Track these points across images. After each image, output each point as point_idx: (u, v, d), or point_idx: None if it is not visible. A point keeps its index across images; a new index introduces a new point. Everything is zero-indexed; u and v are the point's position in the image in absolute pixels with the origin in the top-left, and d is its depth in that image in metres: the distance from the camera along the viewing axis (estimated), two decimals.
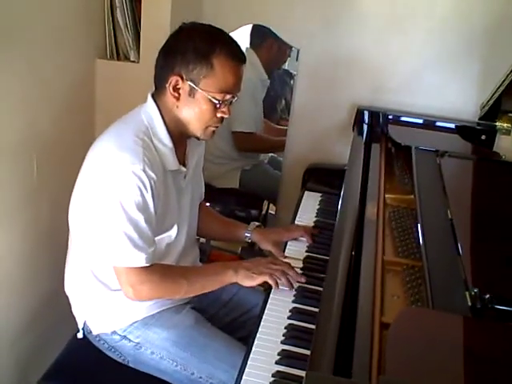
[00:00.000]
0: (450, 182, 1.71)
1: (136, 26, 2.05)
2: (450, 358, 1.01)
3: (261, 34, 2.41)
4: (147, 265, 1.49)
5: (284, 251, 1.81)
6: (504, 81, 1.95)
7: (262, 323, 1.47)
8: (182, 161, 1.62)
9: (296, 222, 2.01)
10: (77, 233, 1.60)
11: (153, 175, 1.45)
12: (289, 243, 1.85)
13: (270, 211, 2.79)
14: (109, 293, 1.59)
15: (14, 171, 1.70)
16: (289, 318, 1.49)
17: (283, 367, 1.32)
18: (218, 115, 1.54)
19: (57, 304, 2.02)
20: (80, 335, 1.70)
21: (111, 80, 2.07)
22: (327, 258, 1.74)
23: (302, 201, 2.16)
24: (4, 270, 1.74)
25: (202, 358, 1.59)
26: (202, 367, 1.59)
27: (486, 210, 1.59)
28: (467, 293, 1.17)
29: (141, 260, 1.48)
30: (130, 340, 1.62)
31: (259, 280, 1.59)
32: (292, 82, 2.43)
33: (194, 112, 1.53)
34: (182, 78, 1.49)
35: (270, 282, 1.58)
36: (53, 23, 1.76)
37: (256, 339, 1.41)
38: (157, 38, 2.00)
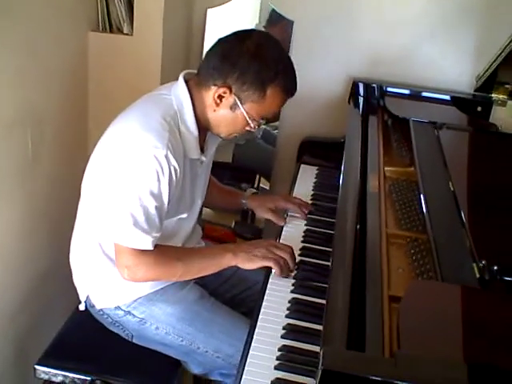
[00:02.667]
0: (449, 154, 1.71)
1: None
2: (460, 330, 1.01)
3: (276, 17, 2.38)
4: (150, 248, 1.47)
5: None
6: (501, 52, 1.94)
7: (265, 297, 1.47)
8: (201, 148, 1.59)
9: (294, 194, 1.99)
10: (88, 204, 1.58)
11: (175, 163, 1.43)
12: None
13: (261, 185, 2.79)
14: (114, 268, 1.56)
15: (8, 146, 1.66)
16: (292, 291, 1.49)
17: (289, 341, 1.32)
18: (246, 128, 1.54)
19: (55, 279, 2.03)
20: (82, 307, 1.69)
21: (104, 53, 2.02)
22: (326, 231, 1.77)
23: (299, 174, 2.15)
24: (2, 247, 1.72)
25: (208, 333, 1.59)
26: (208, 341, 1.59)
27: (488, 181, 1.59)
28: (475, 265, 1.18)
29: (143, 242, 1.45)
30: (134, 315, 1.62)
31: (260, 263, 1.55)
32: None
33: (227, 121, 1.52)
34: (230, 91, 1.45)
35: (273, 266, 1.54)
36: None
37: (260, 314, 1.41)
38: (151, 10, 1.98)
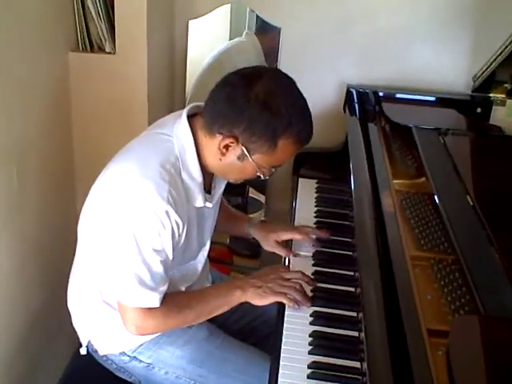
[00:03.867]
0: (460, 162, 1.63)
1: (109, 15, 1.88)
2: None
3: (267, 24, 2.28)
4: (157, 305, 1.36)
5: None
6: (501, 52, 1.88)
7: (284, 332, 1.37)
8: (208, 189, 1.47)
9: (297, 212, 1.89)
10: (86, 250, 1.46)
11: (176, 217, 1.30)
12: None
13: (250, 194, 2.69)
14: (116, 314, 1.45)
15: None
16: (311, 323, 1.40)
17: (316, 381, 1.23)
18: (257, 175, 1.40)
19: (50, 319, 1.91)
20: (84, 352, 1.57)
21: (86, 74, 1.91)
22: (338, 251, 1.68)
23: (298, 189, 2.05)
24: None
25: (221, 373, 1.50)
26: (222, 382, 1.50)
27: (506, 190, 1.51)
28: None
29: (150, 301, 1.35)
30: (140, 361, 1.51)
31: (271, 300, 1.44)
32: (276, 63, 2.31)
33: (234, 170, 1.39)
34: (237, 141, 1.31)
35: (286, 302, 1.43)
36: (21, 18, 1.59)
37: (282, 353, 1.30)
38: (133, 26, 1.87)
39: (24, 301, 1.76)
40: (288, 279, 1.48)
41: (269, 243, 1.68)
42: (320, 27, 2.18)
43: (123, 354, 1.52)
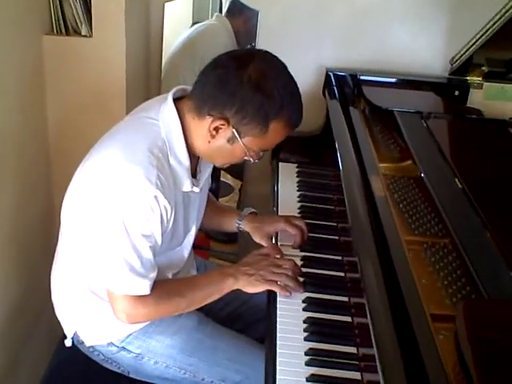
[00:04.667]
0: (445, 146, 1.65)
1: None
2: None
3: (238, 7, 2.27)
4: (147, 292, 1.34)
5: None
6: (482, 36, 1.89)
7: (278, 319, 1.36)
8: (194, 173, 1.43)
9: (280, 197, 1.88)
10: (70, 239, 1.41)
11: (165, 202, 1.27)
12: None
13: (222, 179, 2.67)
14: (102, 303, 1.43)
15: None
16: (304, 309, 1.39)
17: (316, 368, 1.23)
18: (245, 158, 1.38)
19: (27, 314, 1.86)
20: (68, 343, 1.53)
21: (61, 57, 1.83)
22: (323, 236, 1.68)
23: (279, 173, 2.04)
24: None
25: (212, 362, 1.48)
26: (213, 371, 1.48)
27: (494, 173, 1.53)
28: None
29: (141, 288, 1.32)
30: (129, 351, 1.48)
31: (263, 288, 1.43)
32: (250, 46, 2.28)
33: (223, 153, 1.36)
34: (228, 123, 1.28)
35: (278, 291, 1.43)
36: None
37: (278, 340, 1.29)
38: (111, 7, 1.81)
39: (4, 292, 1.70)
40: (280, 265, 1.46)
41: (261, 235, 1.64)
42: (298, 10, 2.16)
43: (111, 344, 1.48)
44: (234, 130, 1.29)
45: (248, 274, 1.44)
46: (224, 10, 2.53)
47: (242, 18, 2.33)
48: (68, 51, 1.84)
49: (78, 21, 1.83)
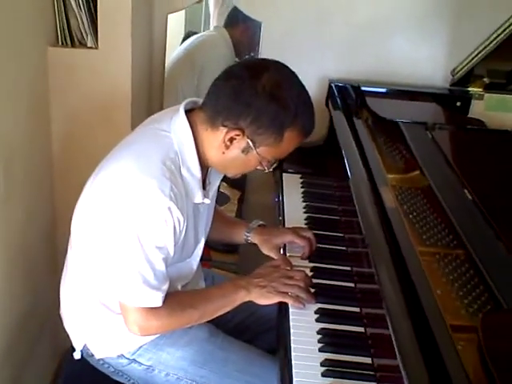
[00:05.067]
0: (452, 157, 1.65)
1: (90, 8, 1.82)
2: None
3: (237, 17, 2.27)
4: (159, 305, 1.34)
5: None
6: (485, 47, 1.92)
7: (291, 331, 1.35)
8: (203, 185, 1.43)
9: (286, 208, 1.88)
10: (81, 252, 1.42)
11: (178, 214, 1.28)
12: None
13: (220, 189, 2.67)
14: (112, 316, 1.43)
15: None
16: (317, 320, 1.40)
17: (332, 379, 1.23)
18: (258, 168, 1.39)
19: (34, 326, 1.85)
20: (77, 356, 1.53)
21: (67, 69, 1.84)
22: (332, 247, 1.68)
23: (284, 184, 2.04)
24: None
25: (223, 373, 1.48)
26: (224, 382, 1.48)
27: (503, 185, 1.54)
28: None
29: (154, 300, 1.33)
30: (140, 363, 1.48)
31: (276, 299, 1.44)
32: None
33: (237, 164, 1.37)
34: (243, 133, 1.29)
35: (290, 303, 1.43)
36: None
37: (293, 351, 1.29)
38: (117, 20, 1.81)
39: (7, 306, 1.69)
40: (291, 277, 1.47)
41: (269, 247, 1.65)
42: (300, 22, 2.18)
43: (121, 356, 1.48)
44: (249, 141, 1.30)
45: (260, 286, 1.44)
46: (213, 20, 2.53)
47: (241, 29, 2.34)
48: (73, 63, 1.85)
49: (83, 32, 1.84)
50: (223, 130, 1.30)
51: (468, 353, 1.02)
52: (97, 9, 1.79)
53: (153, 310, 1.34)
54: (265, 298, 1.44)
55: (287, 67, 1.36)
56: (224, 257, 2.60)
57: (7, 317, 1.69)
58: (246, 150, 1.32)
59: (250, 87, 1.27)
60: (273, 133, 1.29)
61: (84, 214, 1.38)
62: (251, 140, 1.30)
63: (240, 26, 2.38)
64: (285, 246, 1.66)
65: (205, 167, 1.40)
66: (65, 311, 1.53)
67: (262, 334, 1.69)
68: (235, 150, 1.33)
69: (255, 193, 2.42)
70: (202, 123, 1.35)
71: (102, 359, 1.50)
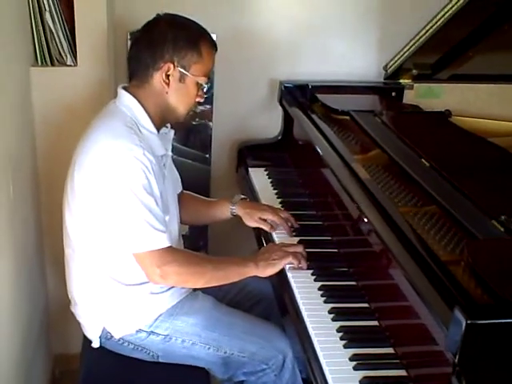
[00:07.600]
0: (403, 135, 1.91)
1: (65, 29, 1.97)
2: None
3: None
4: (169, 244, 1.53)
5: None
6: (412, 45, 2.21)
7: (312, 332, 1.46)
8: None
9: (260, 196, 2.11)
10: (82, 236, 1.59)
11: (152, 158, 1.51)
12: None
13: None
14: (126, 289, 1.60)
15: None
16: (334, 319, 1.50)
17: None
18: (197, 99, 1.63)
19: (39, 329, 1.95)
20: (96, 344, 1.68)
21: (49, 87, 1.98)
22: (311, 223, 1.91)
23: (252, 177, 2.26)
24: None
25: (232, 335, 1.67)
26: (233, 343, 1.66)
27: (448, 153, 1.82)
28: (494, 222, 1.38)
29: (163, 241, 1.52)
30: (158, 334, 1.64)
31: (282, 264, 1.62)
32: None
33: (182, 95, 1.61)
34: (173, 65, 1.54)
35: (294, 261, 1.62)
36: None
37: (320, 350, 1.39)
38: (94, 38, 1.96)
39: (20, 310, 1.80)
40: (289, 245, 1.70)
41: (253, 219, 1.86)
42: (250, 32, 2.39)
43: (140, 331, 1.64)
44: (179, 68, 1.56)
45: (265, 259, 1.64)
46: None
47: None
48: (55, 81, 1.98)
49: (61, 51, 1.97)
50: (156, 74, 1.56)
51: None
52: (74, 29, 1.94)
53: (171, 253, 1.54)
54: (271, 267, 1.63)
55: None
56: None
57: (18, 319, 1.79)
58: (182, 78, 1.58)
59: (157, 32, 1.57)
60: (193, 50, 1.56)
61: (77, 200, 1.57)
62: (181, 66, 1.56)
63: None
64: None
65: (157, 129, 1.62)
66: (79, 302, 1.68)
67: (253, 306, 1.89)
68: (174, 83, 1.58)
69: (219, 191, 2.57)
70: (138, 87, 1.60)
71: (121, 338, 1.65)
